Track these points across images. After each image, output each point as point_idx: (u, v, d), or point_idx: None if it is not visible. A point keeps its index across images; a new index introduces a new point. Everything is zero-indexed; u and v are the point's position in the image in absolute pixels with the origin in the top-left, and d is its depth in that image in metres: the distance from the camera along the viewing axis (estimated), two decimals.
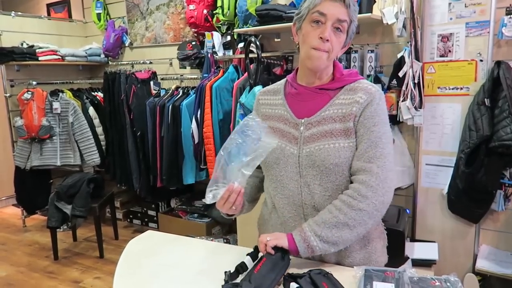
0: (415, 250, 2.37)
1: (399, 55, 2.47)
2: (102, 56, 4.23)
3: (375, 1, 2.48)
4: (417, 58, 2.39)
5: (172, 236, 1.50)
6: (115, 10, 4.19)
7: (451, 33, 2.37)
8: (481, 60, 2.31)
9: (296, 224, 1.19)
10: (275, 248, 1.09)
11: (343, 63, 2.68)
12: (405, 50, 2.43)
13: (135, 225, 4.14)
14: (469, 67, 2.34)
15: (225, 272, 1.10)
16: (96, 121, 3.99)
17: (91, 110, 3.98)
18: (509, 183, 2.32)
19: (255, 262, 1.09)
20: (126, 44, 4.14)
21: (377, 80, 2.59)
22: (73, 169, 3.92)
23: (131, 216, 4.17)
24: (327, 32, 1.13)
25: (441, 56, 2.42)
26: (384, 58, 2.68)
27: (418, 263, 2.27)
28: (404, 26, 2.42)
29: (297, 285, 0.99)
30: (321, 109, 1.19)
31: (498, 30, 2.24)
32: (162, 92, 3.50)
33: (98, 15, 4.18)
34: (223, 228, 3.52)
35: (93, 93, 4.21)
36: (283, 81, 1.34)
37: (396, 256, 1.97)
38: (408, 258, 2.20)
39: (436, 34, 2.42)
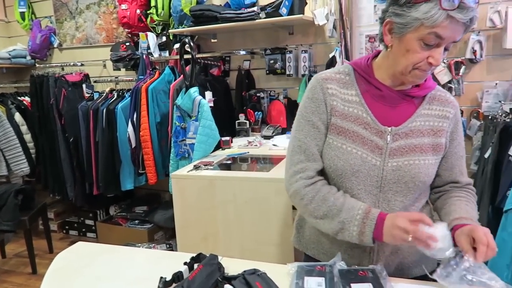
0: None
1: (330, 55, 2.57)
2: (28, 58, 3.95)
3: (306, 3, 2.56)
4: (347, 57, 2.50)
5: (105, 246, 1.44)
6: (41, 9, 3.94)
7: (377, 34, 2.49)
8: None
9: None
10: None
11: (278, 63, 2.74)
12: (336, 50, 2.53)
13: (72, 236, 3.92)
14: None
15: (161, 278, 1.07)
16: (24, 128, 3.72)
17: (18, 116, 3.70)
18: None
19: (191, 272, 1.08)
20: (55, 45, 3.90)
21: (311, 79, 2.67)
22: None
23: (67, 227, 3.95)
24: (440, 58, 0.97)
25: None
26: (317, 58, 2.78)
27: None
28: (334, 27, 2.53)
29: (231, 287, 0.99)
30: (408, 119, 1.07)
31: None
32: (96, 95, 3.35)
33: (22, 14, 3.90)
34: (166, 233, 3.44)
35: (19, 97, 3.90)
36: (347, 69, 1.13)
37: None
38: None
39: (364, 35, 2.54)
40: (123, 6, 3.23)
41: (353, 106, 1.08)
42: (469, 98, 2.46)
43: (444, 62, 2.41)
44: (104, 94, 3.30)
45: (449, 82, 2.42)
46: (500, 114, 2.14)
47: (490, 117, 2.25)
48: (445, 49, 0.98)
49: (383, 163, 1.04)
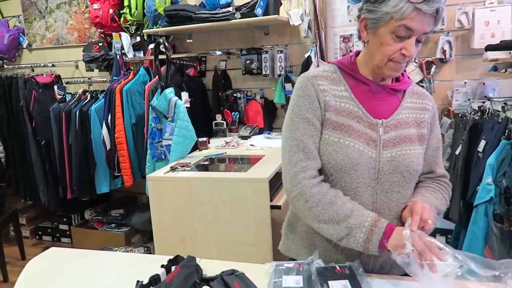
0: None
1: (306, 55, 2.59)
2: None
3: (281, 3, 2.57)
4: (323, 57, 2.53)
5: (80, 251, 1.40)
6: (9, 8, 3.81)
7: (351, 34, 2.54)
8: None
9: None
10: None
11: (255, 63, 2.74)
12: (312, 50, 2.55)
13: (46, 242, 3.80)
14: None
15: (137, 281, 1.06)
16: None
17: None
18: None
19: (168, 275, 1.07)
20: (24, 46, 3.79)
21: (287, 80, 2.69)
22: None
23: (40, 233, 3.84)
24: (413, 50, 1.01)
25: (344, 55, 2.58)
26: (293, 58, 2.79)
27: None
28: (309, 28, 2.55)
29: None
30: (395, 111, 1.12)
31: None
32: (68, 97, 3.26)
33: None
34: (144, 236, 3.40)
35: None
36: (332, 68, 1.15)
37: None
38: None
39: (338, 35, 2.58)
40: (95, 6, 3.16)
41: (345, 101, 1.10)
42: (440, 97, 2.53)
43: (416, 62, 2.47)
44: (77, 95, 3.22)
45: (421, 81, 2.48)
46: (469, 112, 2.21)
47: (460, 115, 2.32)
48: (418, 41, 1.02)
49: (378, 155, 1.07)
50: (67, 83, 3.56)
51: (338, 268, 1.03)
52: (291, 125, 1.11)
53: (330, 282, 0.96)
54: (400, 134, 1.09)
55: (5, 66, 3.85)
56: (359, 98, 1.10)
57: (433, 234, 2.38)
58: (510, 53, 2.05)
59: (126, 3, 3.07)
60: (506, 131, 1.86)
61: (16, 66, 3.79)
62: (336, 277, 0.98)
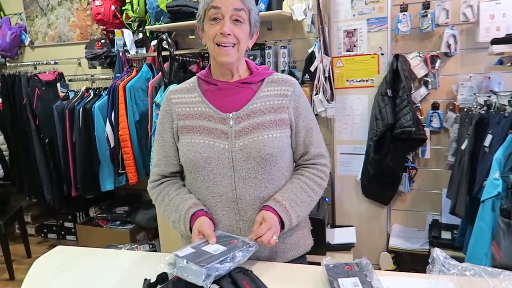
0: (335, 235, 2.49)
1: (309, 50, 2.57)
2: None
3: None
4: (326, 53, 2.51)
5: (85, 250, 1.40)
6: (10, 6, 3.80)
7: (355, 29, 2.52)
8: (382, 54, 2.49)
9: (231, 222, 1.19)
10: None
11: (258, 59, 2.73)
12: (315, 45, 2.53)
13: (51, 240, 3.82)
14: (372, 61, 2.51)
15: (145, 279, 1.05)
16: None
17: None
18: (412, 166, 2.55)
19: None
20: (26, 43, 3.78)
21: (291, 75, 2.65)
22: None
23: (45, 231, 3.85)
24: (226, 26, 1.13)
25: (347, 50, 2.56)
26: (296, 53, 2.77)
27: (339, 248, 2.40)
28: (312, 23, 2.53)
29: (218, 286, 0.98)
30: (247, 102, 1.20)
31: (395, 26, 2.44)
32: (71, 95, 3.26)
33: None
34: (149, 233, 3.40)
35: None
36: (193, 79, 1.31)
37: (318, 243, 2.07)
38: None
39: (342, 30, 2.55)
40: (97, 3, 3.15)
41: (197, 105, 1.23)
42: (445, 91, 2.50)
43: (420, 56, 2.44)
44: (80, 93, 3.22)
45: (426, 75, 2.46)
46: (475, 106, 2.19)
47: (465, 109, 2.29)
48: (239, 21, 1.15)
49: (230, 146, 1.16)
50: (70, 80, 3.56)
51: (347, 265, 1.02)
52: (155, 135, 1.33)
53: (340, 280, 0.95)
54: (253, 123, 1.18)
55: (8, 64, 3.85)
56: (210, 99, 1.23)
57: (439, 230, 2.37)
58: None
59: None
60: None
61: (18, 64, 3.78)
62: (346, 275, 0.97)
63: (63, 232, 3.75)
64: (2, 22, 3.71)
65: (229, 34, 1.14)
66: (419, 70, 2.45)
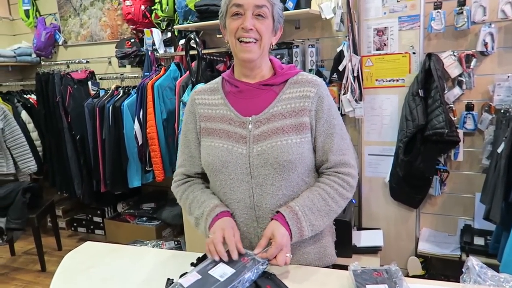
0: (362, 238, 2.44)
1: (338, 49, 2.53)
2: (33, 55, 3.95)
3: None
4: (355, 52, 2.46)
5: (113, 246, 1.43)
6: (46, 6, 3.92)
7: (385, 27, 2.45)
8: (414, 53, 2.42)
9: (249, 229, 1.15)
10: None
11: (285, 58, 2.70)
12: (344, 44, 2.48)
13: (80, 233, 3.93)
14: (403, 60, 2.44)
15: (168, 279, 1.06)
16: (31, 126, 3.72)
17: (24, 114, 3.70)
18: (443, 169, 2.46)
19: None
20: (60, 43, 3.90)
21: (319, 74, 2.63)
22: (7, 179, 3.63)
23: (75, 224, 3.96)
24: (248, 22, 1.09)
25: (378, 49, 2.50)
26: (324, 52, 2.73)
27: (365, 251, 2.35)
28: (342, 21, 2.48)
29: None
30: (268, 105, 1.15)
31: (428, 24, 2.35)
32: (102, 93, 3.34)
33: (26, 11, 3.89)
34: (174, 230, 3.44)
35: (25, 95, 3.91)
36: (218, 79, 1.28)
37: (344, 246, 2.03)
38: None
39: (372, 28, 2.49)
40: (128, 3, 3.20)
41: (219, 107, 1.21)
42: (480, 92, 2.40)
43: (455, 55, 2.35)
44: (110, 91, 3.29)
45: (460, 75, 2.37)
46: None
47: (502, 111, 2.19)
48: (261, 16, 1.11)
49: (248, 151, 1.12)
50: (100, 79, 3.64)
51: (376, 271, 0.99)
52: (181, 135, 1.32)
53: (368, 287, 0.92)
54: (272, 127, 1.13)
55: (42, 63, 3.98)
56: (232, 102, 1.20)
57: (472, 235, 2.28)
58: None
59: None
60: None
61: (52, 62, 3.90)
62: (374, 281, 0.94)
63: (92, 226, 3.85)
64: (37, 22, 3.83)
65: (251, 29, 1.10)
66: (453, 69, 2.36)
